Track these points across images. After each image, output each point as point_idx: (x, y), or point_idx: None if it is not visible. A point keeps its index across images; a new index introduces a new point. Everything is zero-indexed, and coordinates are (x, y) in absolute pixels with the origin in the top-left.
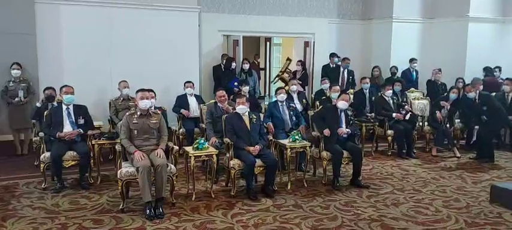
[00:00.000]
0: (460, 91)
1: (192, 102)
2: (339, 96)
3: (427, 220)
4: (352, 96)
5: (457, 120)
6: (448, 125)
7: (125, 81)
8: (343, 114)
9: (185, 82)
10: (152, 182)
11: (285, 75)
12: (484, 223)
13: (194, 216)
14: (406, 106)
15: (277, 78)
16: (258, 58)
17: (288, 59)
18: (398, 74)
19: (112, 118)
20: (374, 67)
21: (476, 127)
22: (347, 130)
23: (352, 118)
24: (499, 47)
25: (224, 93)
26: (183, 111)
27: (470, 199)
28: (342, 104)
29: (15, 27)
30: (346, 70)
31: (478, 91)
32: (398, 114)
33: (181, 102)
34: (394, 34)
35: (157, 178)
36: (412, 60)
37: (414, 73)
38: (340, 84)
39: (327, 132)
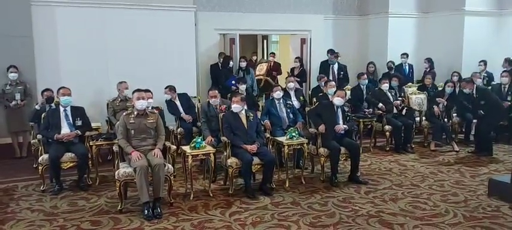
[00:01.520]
0: (455, 84)
1: (179, 105)
2: (334, 93)
3: (425, 215)
4: (349, 92)
5: (454, 114)
6: (446, 119)
7: (125, 82)
8: (339, 110)
9: (164, 88)
10: (150, 183)
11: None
12: (482, 217)
13: (192, 215)
14: (398, 100)
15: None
16: (255, 56)
17: (263, 61)
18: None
19: (110, 119)
20: (369, 63)
21: (474, 121)
22: (344, 126)
23: (348, 114)
24: (495, 40)
25: (216, 92)
26: (183, 116)
27: (468, 193)
28: (337, 101)
29: (11, 30)
30: (335, 65)
31: (475, 86)
32: (395, 101)
33: (171, 106)
34: (390, 29)
35: (154, 178)
36: (402, 55)
37: (406, 67)
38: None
39: (322, 128)
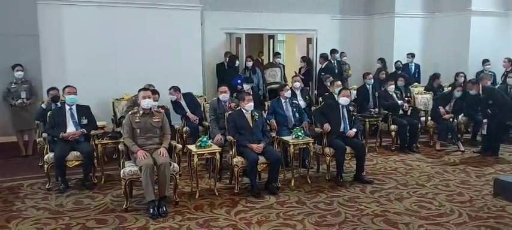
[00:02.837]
0: (463, 87)
1: (185, 104)
2: (339, 92)
3: (430, 215)
4: (354, 92)
5: (461, 114)
6: (451, 119)
7: (153, 85)
8: (344, 109)
9: (169, 89)
10: (155, 181)
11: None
12: (487, 217)
13: (198, 214)
14: (405, 100)
15: None
16: (262, 55)
17: (271, 65)
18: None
19: (117, 114)
20: (380, 71)
21: (485, 120)
22: (354, 130)
23: (354, 113)
24: (501, 40)
25: (226, 88)
26: (190, 115)
27: (473, 193)
28: (343, 100)
29: (17, 29)
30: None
31: (481, 86)
32: (403, 103)
33: (177, 105)
34: (396, 29)
35: (160, 177)
36: (408, 55)
37: (413, 67)
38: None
39: (326, 126)
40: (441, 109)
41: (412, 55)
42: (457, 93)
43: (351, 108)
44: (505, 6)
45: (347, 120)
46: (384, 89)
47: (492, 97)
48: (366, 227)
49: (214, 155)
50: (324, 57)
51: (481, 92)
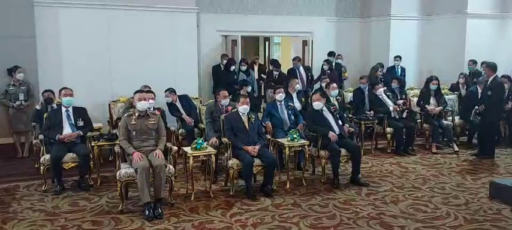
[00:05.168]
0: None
1: (180, 106)
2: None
3: (426, 217)
4: (351, 94)
5: (457, 117)
6: (443, 120)
7: (148, 86)
8: (326, 112)
9: (164, 91)
10: (151, 183)
11: None
12: (483, 220)
13: (193, 216)
14: (398, 101)
15: None
16: (257, 59)
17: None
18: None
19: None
20: (379, 68)
21: (476, 107)
22: (346, 126)
23: (338, 113)
24: (497, 43)
25: (226, 93)
26: (185, 117)
27: (469, 195)
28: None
29: (14, 31)
30: (300, 68)
31: (490, 77)
32: (395, 106)
33: (173, 108)
34: (392, 31)
35: (156, 179)
36: (396, 58)
37: (399, 70)
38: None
39: (331, 135)
40: (428, 107)
41: (400, 58)
42: (433, 86)
43: (331, 107)
44: (501, 9)
45: (333, 122)
46: (374, 94)
47: (493, 90)
48: None
49: (210, 157)
50: (298, 59)
51: (489, 81)
